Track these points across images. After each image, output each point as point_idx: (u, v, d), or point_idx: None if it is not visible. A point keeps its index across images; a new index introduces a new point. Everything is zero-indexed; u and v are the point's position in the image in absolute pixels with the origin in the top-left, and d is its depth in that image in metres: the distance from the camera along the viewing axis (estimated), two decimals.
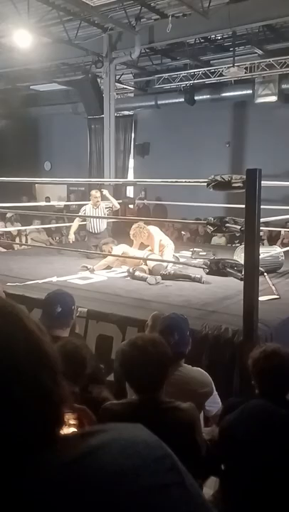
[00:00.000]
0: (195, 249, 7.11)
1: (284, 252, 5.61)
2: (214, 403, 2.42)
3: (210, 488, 2.20)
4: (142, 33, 8.84)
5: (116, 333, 3.68)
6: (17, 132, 13.78)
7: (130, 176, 13.56)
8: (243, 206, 3.38)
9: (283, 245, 7.78)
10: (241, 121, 11.70)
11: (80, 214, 7.04)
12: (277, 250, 5.71)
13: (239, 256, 5.38)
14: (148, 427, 0.47)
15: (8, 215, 9.91)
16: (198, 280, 4.92)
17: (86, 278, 5.25)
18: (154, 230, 6.01)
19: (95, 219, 6.91)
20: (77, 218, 7.02)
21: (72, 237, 6.99)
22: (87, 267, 5.64)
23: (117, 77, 11.03)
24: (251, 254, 3.43)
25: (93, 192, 6.97)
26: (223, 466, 1.97)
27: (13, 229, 9.15)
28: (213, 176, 3.57)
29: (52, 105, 13.86)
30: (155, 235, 5.93)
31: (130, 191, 13.49)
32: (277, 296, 4.38)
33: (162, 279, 5.09)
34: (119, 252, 5.71)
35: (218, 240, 9.55)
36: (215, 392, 2.46)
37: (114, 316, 3.77)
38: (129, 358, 1.82)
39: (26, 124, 14.45)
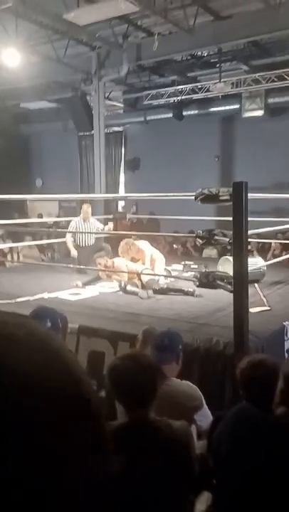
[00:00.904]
0: (186, 262, 7.14)
1: (272, 263, 5.63)
2: (204, 417, 2.41)
3: (202, 504, 2.18)
4: (130, 51, 8.98)
5: (107, 348, 3.67)
6: (8, 150, 13.83)
7: (121, 191, 13.64)
8: (231, 219, 3.42)
9: (274, 257, 7.82)
10: (229, 135, 11.86)
11: (69, 229, 7.04)
12: (258, 261, 5.70)
13: (222, 267, 5.41)
14: (141, 447, 0.46)
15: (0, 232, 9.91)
16: (191, 294, 4.93)
17: (77, 294, 5.24)
18: (143, 244, 6.04)
19: (83, 234, 6.91)
20: (68, 234, 7.02)
21: (74, 252, 6.82)
22: (78, 285, 5.64)
23: (106, 94, 11.16)
24: (240, 266, 3.45)
25: (84, 206, 6.98)
26: (214, 480, 1.96)
27: (4, 246, 9.14)
28: (200, 190, 3.61)
29: (42, 123, 13.97)
30: (146, 250, 5.96)
31: (121, 206, 13.57)
32: (268, 308, 4.39)
33: (154, 294, 5.09)
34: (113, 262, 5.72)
35: (210, 252, 9.59)
36: (205, 406, 2.45)
37: (105, 332, 3.76)
38: (116, 374, 1.81)
39: (17, 142, 14.53)
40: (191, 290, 4.93)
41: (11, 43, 8.06)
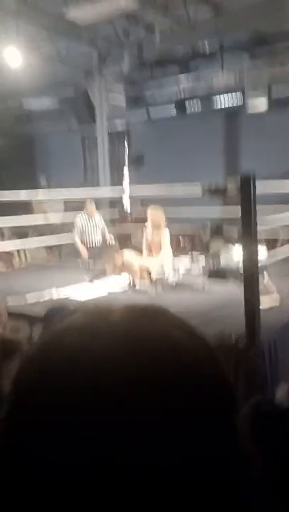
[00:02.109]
0: (194, 252, 7.06)
1: (280, 253, 5.57)
2: None
3: None
4: (131, 48, 8.96)
5: None
6: (12, 150, 13.86)
7: (126, 189, 13.62)
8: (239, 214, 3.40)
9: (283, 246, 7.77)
10: (233, 130, 11.80)
11: (74, 227, 6.77)
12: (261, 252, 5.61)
13: (226, 255, 5.35)
14: None
15: (5, 232, 9.93)
16: (201, 289, 4.92)
17: (86, 294, 5.24)
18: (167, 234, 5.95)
19: (89, 231, 6.69)
20: (76, 233, 6.78)
21: (85, 253, 6.56)
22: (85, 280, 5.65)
23: (108, 91, 11.14)
24: (250, 259, 3.44)
25: (88, 203, 6.81)
26: None
27: (11, 245, 9.15)
28: (208, 184, 3.59)
29: (46, 122, 13.97)
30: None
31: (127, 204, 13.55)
32: (278, 303, 4.37)
33: (163, 290, 5.09)
34: (122, 258, 5.67)
35: (217, 243, 9.54)
36: None
37: None
38: None
39: (20, 142, 14.55)
40: (201, 285, 4.92)
41: (12, 43, 8.07)
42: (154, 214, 5.84)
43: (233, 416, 0.42)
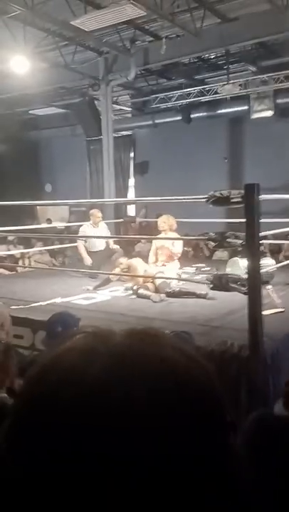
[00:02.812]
0: (198, 265, 7.11)
1: (284, 265, 5.59)
2: None
3: None
4: (137, 55, 9.01)
5: None
6: (17, 156, 13.94)
7: (131, 195, 13.67)
8: (243, 220, 3.40)
9: (286, 258, 7.78)
10: (238, 136, 11.82)
11: (79, 235, 6.99)
12: (267, 263, 5.64)
13: (231, 268, 5.38)
14: None
15: (10, 238, 9.97)
16: (204, 296, 4.91)
17: (90, 298, 5.25)
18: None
19: (94, 239, 6.83)
20: (81, 240, 6.92)
21: (89, 260, 6.67)
22: (89, 289, 5.67)
23: (114, 98, 11.20)
24: (253, 268, 3.43)
25: (94, 211, 6.97)
26: None
27: (16, 252, 9.19)
28: (212, 192, 3.60)
29: (51, 128, 14.06)
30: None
31: (132, 210, 13.58)
32: (282, 310, 4.36)
33: (167, 297, 5.08)
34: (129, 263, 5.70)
35: (221, 254, 9.55)
36: None
37: None
38: None
39: (26, 148, 14.63)
40: (204, 293, 4.91)
41: (20, 50, 8.14)
42: (162, 221, 5.97)
43: (225, 434, 0.44)
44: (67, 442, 0.37)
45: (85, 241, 6.86)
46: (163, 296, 5.08)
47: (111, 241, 6.94)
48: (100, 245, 6.89)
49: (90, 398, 0.39)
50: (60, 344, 0.44)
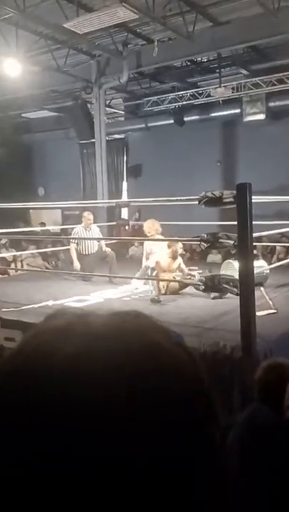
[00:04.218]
0: (191, 267, 7.10)
1: (277, 267, 5.60)
2: None
3: None
4: (130, 58, 9.02)
5: None
6: (10, 159, 13.90)
7: (124, 198, 13.65)
8: (236, 222, 3.40)
9: (279, 260, 7.79)
10: (231, 139, 11.86)
11: (72, 237, 6.98)
12: (261, 264, 5.65)
13: (225, 271, 5.38)
14: None
15: (3, 241, 9.91)
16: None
17: (82, 301, 5.22)
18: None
19: (86, 242, 6.84)
20: (73, 243, 6.91)
21: (77, 264, 6.65)
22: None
23: (107, 101, 11.21)
24: (246, 269, 3.43)
25: (86, 214, 6.96)
26: None
27: (8, 254, 9.13)
28: (204, 193, 3.59)
29: (44, 132, 14.03)
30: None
31: (125, 213, 13.56)
32: (275, 311, 4.36)
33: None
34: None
35: (214, 257, 9.56)
36: None
37: None
38: None
39: (19, 151, 14.59)
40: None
41: (12, 53, 8.12)
42: (148, 226, 6.05)
43: (210, 422, 0.41)
44: (47, 432, 0.35)
45: (77, 244, 6.85)
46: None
47: (103, 244, 6.94)
48: (92, 248, 6.89)
49: (67, 378, 0.36)
50: (39, 325, 0.42)
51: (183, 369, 0.41)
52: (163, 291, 5.33)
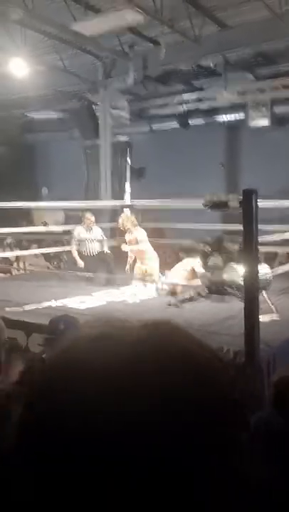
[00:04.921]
0: None
1: (284, 272, 5.59)
2: None
3: None
4: (136, 61, 9.03)
5: None
6: (13, 159, 13.90)
7: (127, 200, 13.65)
8: (239, 227, 3.40)
9: (280, 265, 7.77)
10: (235, 144, 11.86)
11: (72, 238, 6.95)
12: (265, 269, 5.64)
13: (228, 274, 5.38)
14: None
15: (8, 240, 9.91)
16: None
17: (85, 302, 5.21)
18: (142, 233, 6.14)
19: (88, 242, 6.83)
20: (74, 243, 6.90)
21: (81, 262, 6.70)
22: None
23: (112, 103, 11.22)
24: (250, 274, 3.42)
25: (87, 214, 6.93)
26: None
27: (10, 254, 9.13)
28: (209, 196, 3.59)
29: (48, 132, 14.02)
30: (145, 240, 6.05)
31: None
32: (277, 317, 4.35)
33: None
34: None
35: (215, 259, 9.53)
36: None
37: None
38: None
39: (23, 151, 14.59)
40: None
41: (18, 53, 8.13)
42: (123, 220, 6.29)
43: (239, 429, 0.42)
44: (77, 442, 0.36)
45: (78, 244, 6.84)
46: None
47: (105, 245, 6.94)
48: (93, 249, 6.86)
49: (103, 386, 0.37)
50: (73, 333, 0.43)
51: (216, 376, 0.42)
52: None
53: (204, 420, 0.39)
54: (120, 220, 6.33)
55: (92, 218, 6.92)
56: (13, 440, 0.38)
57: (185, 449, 0.37)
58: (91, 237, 6.82)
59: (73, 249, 6.87)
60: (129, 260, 6.36)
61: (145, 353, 0.40)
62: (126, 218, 6.27)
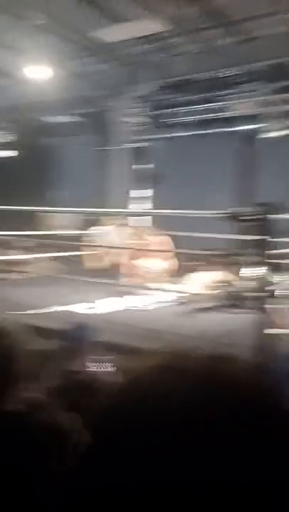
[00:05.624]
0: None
1: None
2: None
3: None
4: (155, 69, 9.09)
5: None
6: (29, 163, 13.99)
7: (142, 207, 13.67)
8: (252, 237, 3.39)
9: None
10: (250, 154, 11.86)
11: (89, 242, 7.01)
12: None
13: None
14: None
15: (25, 244, 9.89)
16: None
17: (90, 308, 5.20)
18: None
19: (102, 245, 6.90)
20: (87, 248, 6.95)
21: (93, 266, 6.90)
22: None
23: (129, 110, 11.28)
24: (261, 283, 3.41)
25: (104, 220, 6.99)
26: None
27: (16, 257, 9.09)
28: (229, 209, 3.60)
29: (64, 136, 14.11)
30: None
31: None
32: None
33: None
34: None
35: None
36: None
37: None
38: None
39: (37, 155, 14.68)
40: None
41: (40, 57, 8.22)
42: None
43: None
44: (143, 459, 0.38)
45: (92, 249, 6.91)
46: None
47: (117, 252, 6.98)
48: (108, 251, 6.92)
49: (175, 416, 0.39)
50: (143, 363, 0.46)
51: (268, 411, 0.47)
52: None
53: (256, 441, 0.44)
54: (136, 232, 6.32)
55: (107, 222, 6.97)
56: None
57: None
58: (106, 239, 6.87)
59: (87, 252, 6.94)
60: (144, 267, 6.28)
61: (212, 389, 0.43)
62: (139, 232, 6.27)
